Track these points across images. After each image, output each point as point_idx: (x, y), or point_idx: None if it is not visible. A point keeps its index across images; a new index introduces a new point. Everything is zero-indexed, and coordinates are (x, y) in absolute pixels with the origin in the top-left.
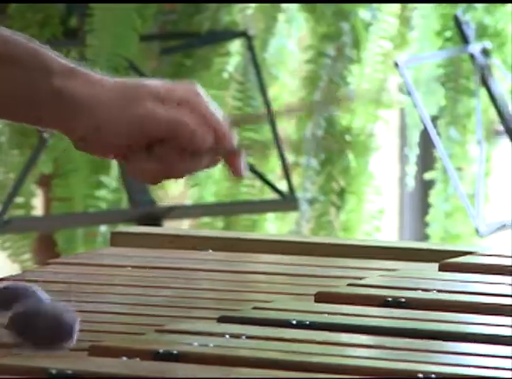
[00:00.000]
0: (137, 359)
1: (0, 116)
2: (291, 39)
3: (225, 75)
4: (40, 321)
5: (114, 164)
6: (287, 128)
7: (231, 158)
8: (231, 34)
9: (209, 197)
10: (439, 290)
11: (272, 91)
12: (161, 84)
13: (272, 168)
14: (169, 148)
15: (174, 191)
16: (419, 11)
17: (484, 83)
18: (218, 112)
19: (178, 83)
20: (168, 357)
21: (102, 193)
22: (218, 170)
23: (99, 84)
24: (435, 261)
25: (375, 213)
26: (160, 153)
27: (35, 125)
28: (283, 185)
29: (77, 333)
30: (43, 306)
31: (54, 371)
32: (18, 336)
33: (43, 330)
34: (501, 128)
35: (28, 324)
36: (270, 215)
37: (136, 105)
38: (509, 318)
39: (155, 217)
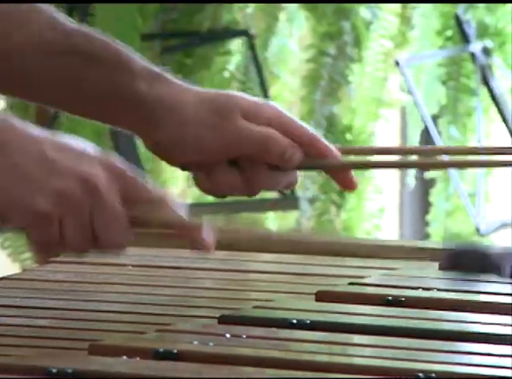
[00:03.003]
0: (137, 358)
1: (80, 114)
2: (292, 37)
3: (226, 74)
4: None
5: None
6: None
7: (339, 172)
8: (231, 33)
9: (210, 196)
10: (439, 289)
11: (273, 91)
12: (250, 102)
13: None
14: (256, 163)
15: (175, 190)
16: (419, 10)
17: (485, 82)
18: (309, 128)
19: (263, 102)
20: (168, 356)
21: None
22: None
23: (187, 93)
24: (436, 260)
25: (376, 212)
26: (245, 168)
27: (111, 125)
28: None
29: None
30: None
31: (54, 370)
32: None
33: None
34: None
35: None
36: (271, 214)
37: (227, 124)
38: (509, 317)
39: None
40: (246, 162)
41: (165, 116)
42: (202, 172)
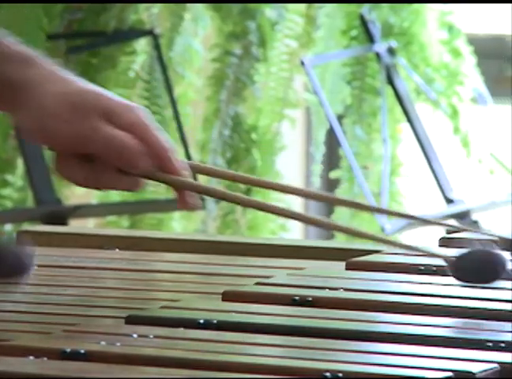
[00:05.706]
0: (45, 359)
1: None
2: (197, 37)
3: (131, 74)
4: None
5: (19, 163)
6: (193, 126)
7: (180, 190)
8: (137, 33)
9: (115, 196)
10: (346, 289)
11: (178, 90)
12: (116, 104)
13: None
14: (105, 163)
15: (79, 190)
16: (324, 10)
17: (390, 82)
18: (166, 140)
19: (128, 106)
20: (75, 356)
21: (7, 191)
22: None
23: (55, 83)
24: (342, 260)
25: None
26: (95, 165)
27: None
28: None
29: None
30: None
31: None
32: None
33: None
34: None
35: None
36: (176, 214)
37: (82, 120)
38: (414, 316)
39: (60, 216)
40: (97, 159)
41: (25, 101)
42: (59, 159)
